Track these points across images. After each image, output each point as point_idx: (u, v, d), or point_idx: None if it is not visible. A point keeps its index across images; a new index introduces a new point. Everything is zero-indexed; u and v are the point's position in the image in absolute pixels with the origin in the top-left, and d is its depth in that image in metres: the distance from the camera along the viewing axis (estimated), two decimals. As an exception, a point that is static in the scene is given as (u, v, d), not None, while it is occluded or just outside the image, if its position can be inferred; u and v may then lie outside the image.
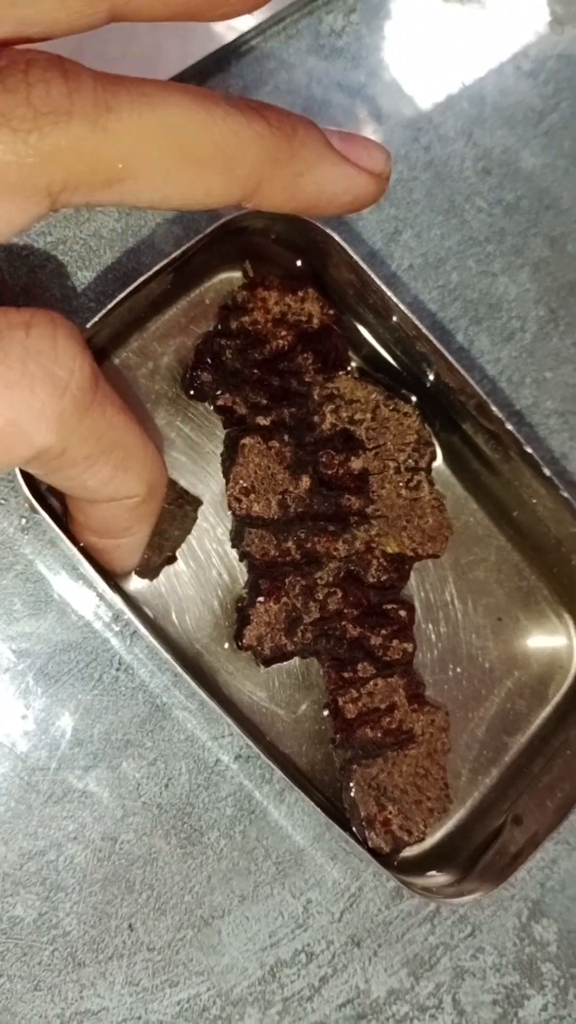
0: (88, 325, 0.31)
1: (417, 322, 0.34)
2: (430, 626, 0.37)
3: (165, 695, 0.35)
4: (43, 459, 0.20)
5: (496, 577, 0.38)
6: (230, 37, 0.38)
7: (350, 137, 0.22)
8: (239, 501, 0.33)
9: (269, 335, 0.34)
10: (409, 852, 0.36)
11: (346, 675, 0.34)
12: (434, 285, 0.41)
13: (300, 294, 0.34)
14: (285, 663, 0.35)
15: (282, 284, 0.34)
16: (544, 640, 0.39)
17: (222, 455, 0.34)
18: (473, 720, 0.38)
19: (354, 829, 0.34)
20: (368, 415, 0.34)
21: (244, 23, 0.38)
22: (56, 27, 0.19)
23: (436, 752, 0.35)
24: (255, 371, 0.34)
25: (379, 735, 0.34)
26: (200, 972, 0.35)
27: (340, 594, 0.34)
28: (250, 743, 0.31)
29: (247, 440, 0.33)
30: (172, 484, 0.32)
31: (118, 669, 0.35)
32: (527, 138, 0.42)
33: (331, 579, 0.34)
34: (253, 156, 0.20)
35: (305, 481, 0.33)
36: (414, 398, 0.36)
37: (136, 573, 0.33)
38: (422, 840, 0.35)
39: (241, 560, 0.34)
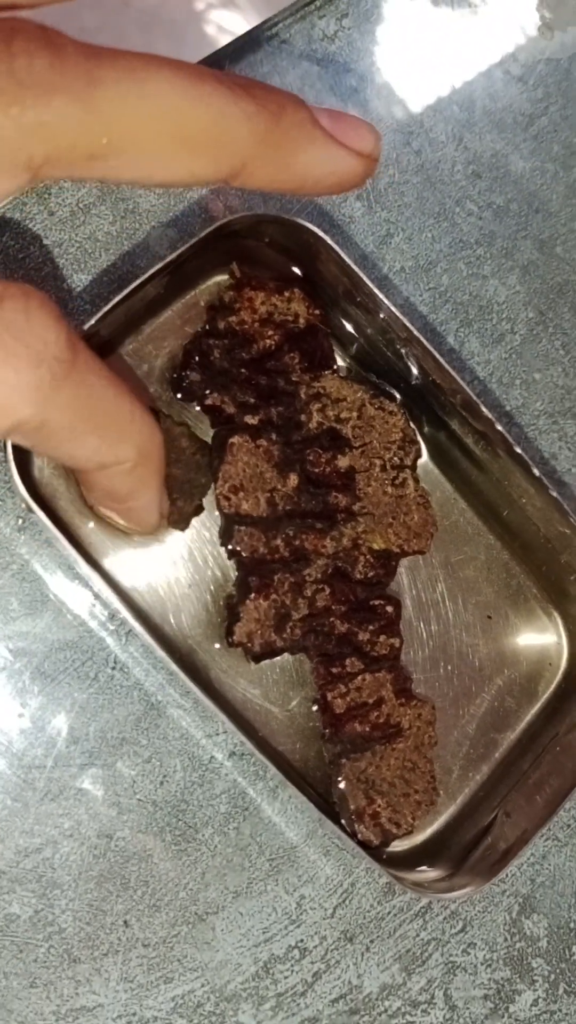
0: (84, 328, 0.31)
1: (408, 324, 0.34)
2: (421, 624, 0.38)
3: (160, 693, 0.36)
4: (23, 431, 0.20)
5: (486, 576, 0.39)
6: (223, 41, 0.39)
7: (339, 116, 0.22)
8: (228, 499, 0.33)
9: (256, 335, 0.34)
10: (400, 847, 0.36)
11: (334, 670, 0.34)
12: (425, 287, 0.41)
13: (286, 294, 0.35)
14: (277, 660, 0.35)
15: (269, 284, 0.35)
16: (533, 638, 0.39)
17: (210, 454, 0.35)
18: (464, 717, 0.38)
19: (343, 822, 0.34)
20: (354, 414, 0.35)
21: (237, 27, 0.39)
22: None
23: (423, 745, 0.35)
24: (243, 370, 0.34)
25: (367, 729, 0.34)
26: (194, 968, 0.36)
27: (328, 590, 0.34)
28: (244, 740, 0.32)
29: (235, 439, 0.33)
30: (192, 435, 0.32)
31: (114, 668, 0.36)
32: (516, 142, 0.43)
33: (319, 576, 0.34)
34: (240, 136, 0.20)
35: (293, 479, 0.34)
36: (399, 397, 0.37)
37: (170, 523, 0.33)
38: (411, 832, 0.35)
39: (230, 558, 0.34)
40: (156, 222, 0.37)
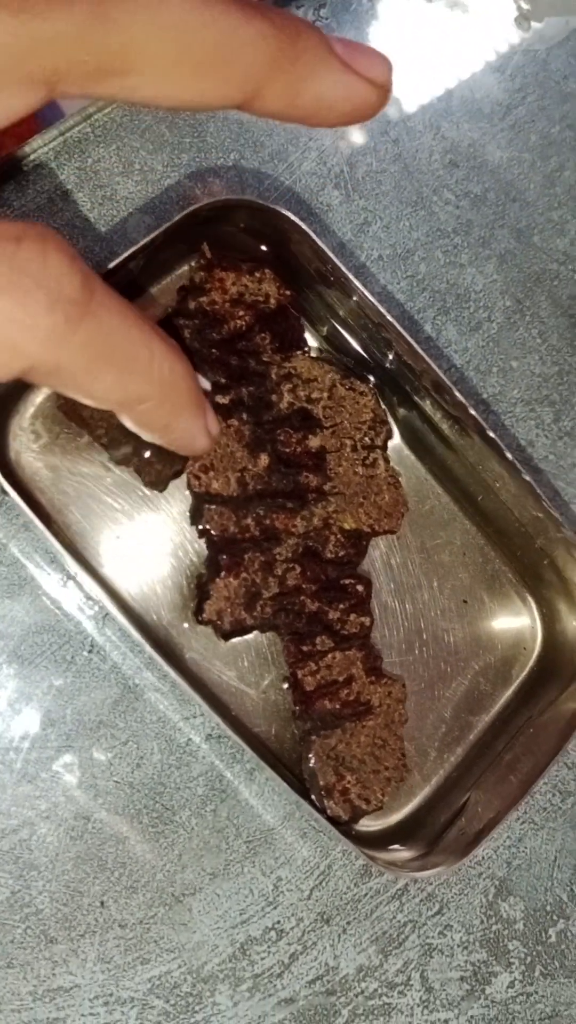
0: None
1: (385, 312, 0.34)
2: (397, 608, 0.38)
3: (137, 677, 0.36)
4: (38, 372, 0.20)
5: (461, 560, 0.39)
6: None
7: (352, 45, 0.22)
8: (198, 479, 0.33)
9: (227, 315, 0.34)
10: (376, 827, 0.37)
11: (305, 648, 0.34)
12: (403, 276, 0.41)
13: (257, 275, 0.35)
14: (252, 642, 0.35)
15: (240, 265, 0.35)
16: (508, 621, 0.40)
17: None
18: (440, 700, 0.38)
19: (313, 798, 0.35)
20: (325, 394, 0.35)
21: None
22: None
23: (393, 723, 0.35)
24: (213, 351, 0.34)
25: (337, 707, 0.35)
26: (171, 949, 0.36)
27: (299, 569, 0.34)
28: (220, 722, 0.32)
29: None
30: None
31: (91, 651, 0.36)
32: (494, 132, 0.43)
33: (290, 555, 0.34)
34: (253, 58, 0.20)
35: (264, 459, 0.34)
36: (372, 378, 0.37)
37: (146, 484, 0.33)
38: (380, 808, 0.35)
39: (200, 537, 0.35)
40: (133, 208, 0.38)
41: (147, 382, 0.23)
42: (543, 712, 0.37)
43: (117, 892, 0.35)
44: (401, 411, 0.38)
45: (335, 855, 0.38)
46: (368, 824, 0.36)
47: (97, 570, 0.35)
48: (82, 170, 0.37)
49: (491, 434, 0.35)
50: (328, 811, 0.34)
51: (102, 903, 0.35)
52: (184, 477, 0.34)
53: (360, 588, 0.35)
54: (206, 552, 0.35)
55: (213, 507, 0.33)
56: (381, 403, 0.36)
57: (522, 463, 0.36)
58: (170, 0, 0.19)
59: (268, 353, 0.34)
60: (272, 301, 0.35)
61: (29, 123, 0.41)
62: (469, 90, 0.43)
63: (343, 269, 0.34)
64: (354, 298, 0.35)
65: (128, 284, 0.34)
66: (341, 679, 0.35)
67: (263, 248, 0.36)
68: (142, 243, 0.32)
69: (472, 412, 0.35)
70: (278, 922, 0.37)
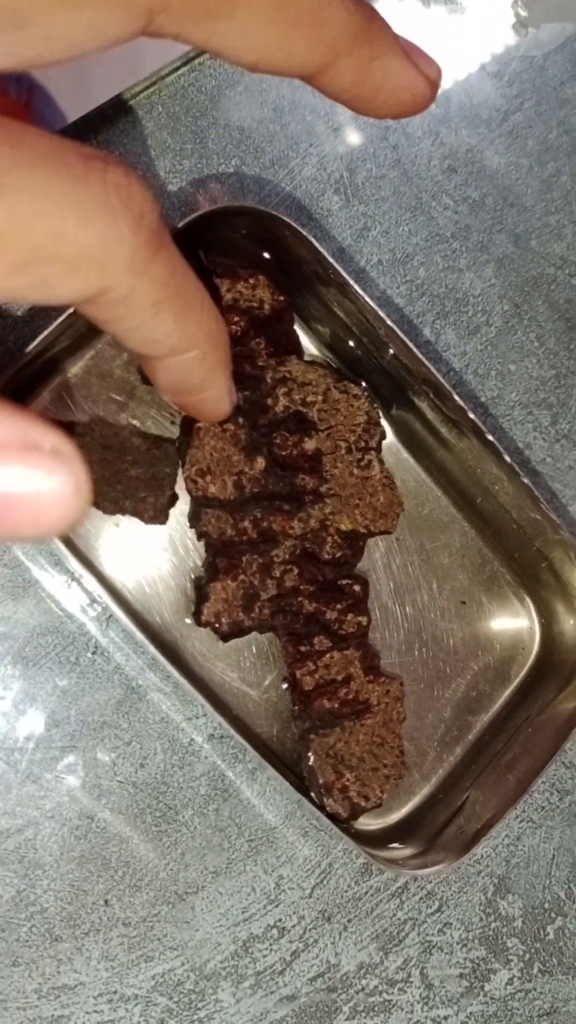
0: (63, 317, 0.32)
1: (384, 316, 0.35)
2: (397, 609, 0.38)
3: (140, 677, 0.36)
4: (108, 298, 0.20)
5: (460, 562, 0.39)
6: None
7: (408, 42, 0.23)
8: (195, 482, 0.34)
9: None
10: (376, 826, 0.37)
11: (303, 648, 0.35)
12: (402, 280, 0.42)
13: (251, 281, 0.35)
14: (253, 642, 0.36)
15: (234, 272, 0.35)
16: (507, 622, 0.40)
17: (179, 439, 0.35)
18: (439, 700, 0.39)
19: (312, 795, 0.35)
20: (319, 397, 0.36)
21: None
22: None
23: (392, 721, 0.36)
24: None
25: (336, 706, 0.35)
26: (174, 947, 0.36)
27: (296, 571, 0.35)
28: (223, 723, 0.33)
29: (201, 424, 0.34)
30: (141, 433, 0.32)
31: (94, 652, 0.36)
32: (491, 137, 0.43)
33: (287, 556, 0.35)
34: (340, 26, 0.20)
35: (260, 462, 0.34)
36: (363, 383, 0.37)
37: (147, 520, 0.33)
38: (380, 805, 0.36)
39: (199, 540, 0.35)
40: (136, 215, 0.38)
41: (199, 331, 0.23)
42: (541, 712, 0.38)
43: (121, 891, 0.36)
44: (399, 414, 0.38)
45: (336, 854, 0.38)
46: (368, 823, 0.37)
47: (100, 571, 0.35)
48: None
49: (490, 437, 0.35)
50: (327, 808, 0.35)
51: (106, 901, 0.36)
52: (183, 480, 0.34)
53: (357, 588, 0.36)
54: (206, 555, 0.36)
55: (210, 511, 0.34)
56: (375, 405, 0.36)
57: (520, 465, 0.36)
58: None
59: (263, 358, 0.35)
60: (266, 307, 0.35)
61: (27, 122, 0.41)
62: (467, 96, 0.43)
63: (343, 274, 0.35)
64: (354, 302, 0.35)
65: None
66: (339, 678, 0.35)
67: (265, 255, 0.36)
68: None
69: (471, 415, 0.35)
70: (280, 920, 0.38)
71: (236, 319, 0.35)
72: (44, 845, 0.35)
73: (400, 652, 0.38)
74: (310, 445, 0.35)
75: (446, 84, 0.43)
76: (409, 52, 0.22)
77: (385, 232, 0.42)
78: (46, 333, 0.32)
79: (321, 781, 0.35)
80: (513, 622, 0.40)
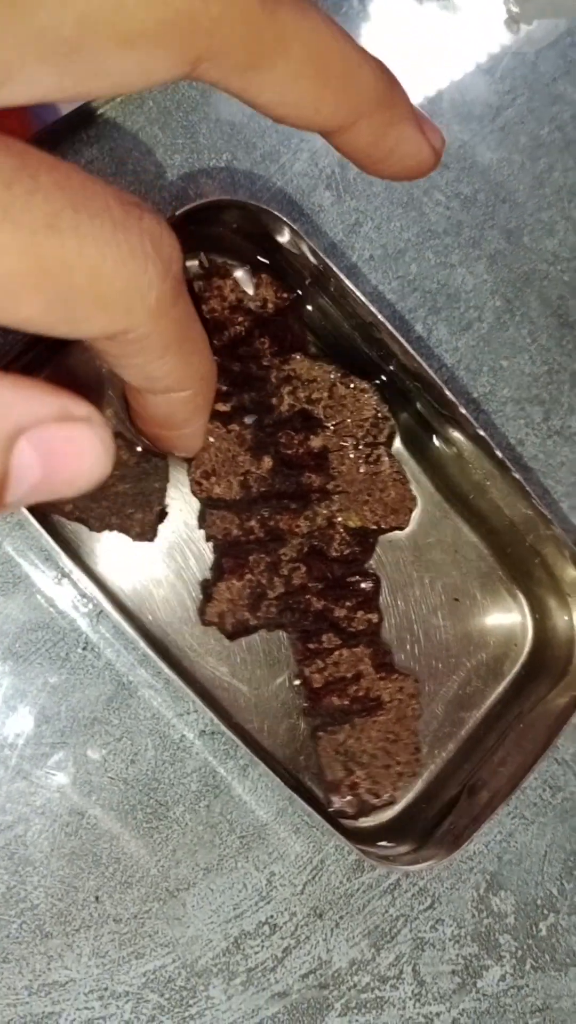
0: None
1: (375, 310, 0.35)
2: (389, 605, 0.38)
3: (131, 674, 0.36)
4: (127, 339, 0.21)
5: (453, 558, 0.39)
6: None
7: (418, 111, 0.24)
8: (199, 484, 0.34)
9: (227, 322, 0.35)
10: (369, 822, 0.37)
11: (312, 646, 0.35)
12: (394, 276, 0.42)
13: (255, 280, 0.35)
14: (245, 639, 0.36)
15: (238, 272, 0.35)
16: (499, 618, 0.40)
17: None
18: (432, 696, 0.39)
19: (320, 794, 0.35)
20: (325, 394, 0.35)
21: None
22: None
23: (406, 718, 0.36)
24: (216, 358, 0.34)
25: (346, 703, 0.35)
26: (166, 944, 0.36)
27: (304, 569, 0.35)
28: (214, 719, 0.32)
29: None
30: (130, 446, 0.32)
31: (85, 648, 0.36)
32: (483, 133, 0.43)
33: (295, 555, 0.35)
34: (367, 89, 0.21)
35: (267, 462, 0.34)
36: (373, 378, 0.37)
37: (135, 537, 0.33)
38: (392, 803, 0.36)
39: (207, 541, 0.35)
40: (127, 209, 0.38)
41: (196, 372, 0.24)
42: (533, 708, 0.38)
43: (112, 887, 0.36)
44: (398, 414, 0.38)
45: (328, 850, 0.38)
46: (361, 819, 0.37)
47: (91, 568, 0.35)
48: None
49: (481, 432, 0.35)
50: (334, 805, 0.35)
51: (97, 898, 0.36)
52: (188, 483, 0.34)
53: (366, 585, 0.36)
54: (199, 548, 0.36)
55: (215, 512, 0.34)
56: (383, 400, 0.36)
57: (512, 461, 0.36)
58: (318, 13, 0.20)
59: (268, 357, 0.35)
60: (270, 305, 0.35)
61: (22, 121, 0.41)
62: (459, 92, 0.43)
63: (334, 269, 0.34)
64: (345, 298, 0.35)
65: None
66: (349, 676, 0.35)
67: (256, 250, 0.36)
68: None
69: (463, 411, 0.35)
70: (271, 916, 0.37)
71: (240, 319, 0.35)
72: (34, 842, 0.35)
73: (392, 648, 0.38)
74: (316, 443, 0.35)
75: (438, 80, 0.43)
76: (419, 121, 0.23)
77: (377, 228, 0.42)
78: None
79: (329, 778, 0.35)
80: (506, 618, 0.40)
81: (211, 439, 0.34)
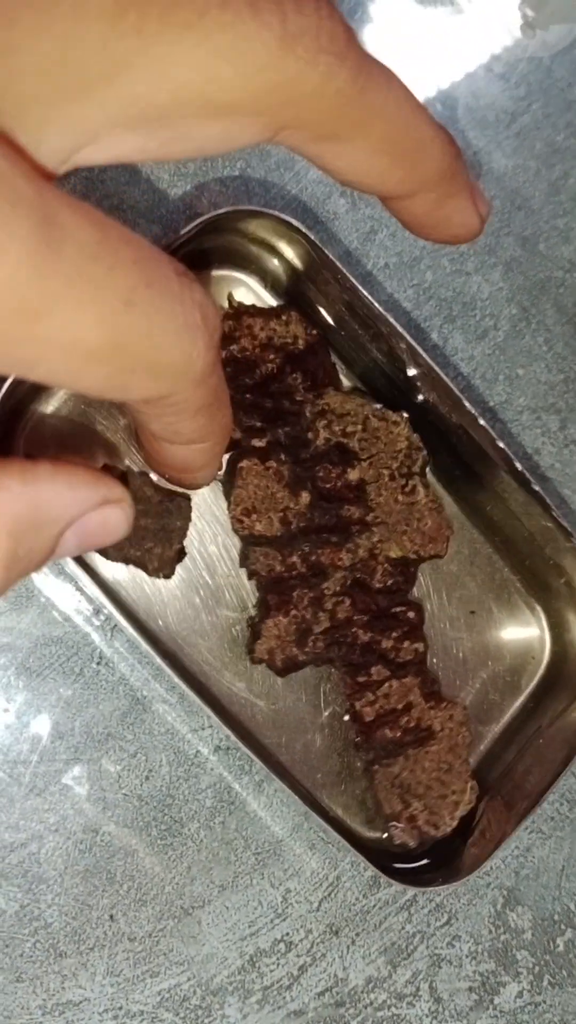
0: None
1: (391, 319, 0.34)
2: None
3: (145, 688, 0.36)
4: (165, 402, 0.21)
5: (469, 570, 0.39)
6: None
7: (472, 182, 0.24)
8: (241, 522, 0.34)
9: (258, 360, 0.35)
10: (379, 835, 0.36)
11: (361, 679, 0.35)
12: (409, 284, 0.41)
13: (284, 317, 0.35)
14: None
15: (265, 310, 0.35)
16: (517, 631, 0.39)
17: (222, 480, 0.35)
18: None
19: (381, 828, 0.35)
20: (359, 427, 0.35)
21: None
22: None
23: (458, 746, 0.36)
24: (247, 396, 0.34)
25: (398, 735, 0.35)
26: (180, 962, 0.36)
27: (348, 602, 0.35)
28: (229, 734, 0.32)
29: (244, 463, 0.34)
30: (154, 484, 0.32)
31: (99, 663, 0.36)
32: (499, 139, 0.43)
33: (338, 588, 0.35)
34: (432, 163, 0.22)
35: (305, 496, 0.34)
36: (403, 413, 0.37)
37: (151, 572, 0.33)
38: (449, 833, 0.36)
39: (250, 579, 0.35)
40: (140, 219, 0.37)
41: (219, 427, 0.24)
42: (552, 723, 0.37)
43: (126, 905, 0.35)
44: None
45: (344, 866, 0.37)
46: (378, 834, 0.36)
47: (104, 581, 0.35)
48: (89, 179, 0.37)
49: (500, 444, 0.35)
50: (395, 839, 0.35)
51: (111, 916, 0.35)
52: (201, 493, 0.35)
53: (412, 615, 0.36)
54: (219, 563, 0.36)
55: (259, 549, 0.34)
56: (414, 431, 0.36)
57: (529, 471, 0.36)
58: (402, 89, 0.20)
59: (300, 392, 0.35)
60: (300, 342, 0.35)
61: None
62: (474, 97, 0.43)
63: (350, 277, 0.34)
64: (361, 306, 0.35)
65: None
66: (400, 707, 0.35)
67: (271, 259, 0.36)
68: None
69: (482, 422, 0.35)
70: (287, 934, 0.37)
71: (272, 356, 0.35)
72: (48, 859, 0.35)
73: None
74: (353, 475, 0.35)
75: (454, 85, 0.43)
76: (473, 191, 0.23)
77: (392, 235, 0.41)
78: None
79: (387, 811, 0.35)
80: (523, 631, 0.40)
81: (250, 476, 0.34)
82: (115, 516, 0.22)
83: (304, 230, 0.33)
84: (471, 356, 0.42)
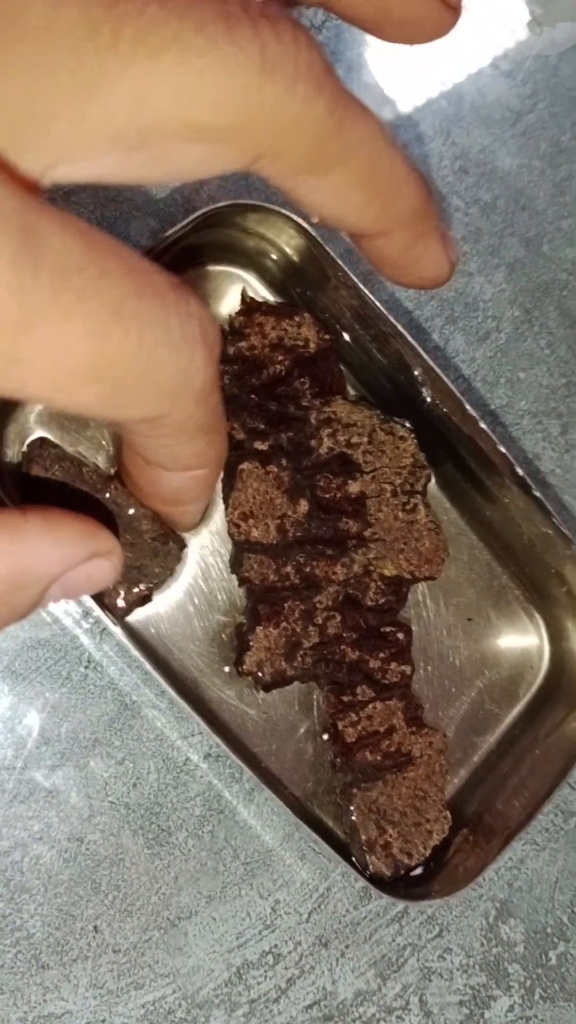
0: None
1: (393, 319, 0.34)
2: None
3: (134, 693, 0.35)
4: (164, 422, 0.21)
5: (468, 576, 0.38)
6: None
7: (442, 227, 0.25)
8: (238, 526, 0.33)
9: (266, 360, 0.34)
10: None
11: (345, 699, 0.34)
12: (410, 283, 0.40)
13: (296, 319, 0.34)
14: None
15: (278, 309, 0.34)
16: (515, 639, 0.39)
17: (222, 481, 0.34)
18: (443, 719, 0.37)
19: (354, 854, 0.34)
20: (365, 439, 0.34)
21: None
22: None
23: (435, 774, 0.35)
24: (253, 396, 0.33)
25: (379, 758, 0.34)
26: (166, 974, 0.35)
27: (339, 618, 0.34)
28: (219, 742, 0.31)
29: (245, 465, 0.33)
30: (154, 519, 0.30)
31: (87, 667, 0.35)
32: (504, 138, 0.42)
33: (330, 603, 0.34)
34: (408, 201, 0.22)
35: (303, 505, 0.33)
36: (409, 425, 0.36)
37: (103, 608, 0.31)
38: (423, 862, 0.35)
39: (241, 585, 0.34)
40: (137, 212, 0.37)
41: (215, 454, 0.24)
42: (550, 733, 0.37)
43: (111, 916, 0.34)
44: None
45: (334, 878, 0.37)
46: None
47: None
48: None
49: (501, 449, 0.34)
50: (370, 867, 0.34)
51: (95, 927, 0.34)
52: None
53: (400, 636, 0.35)
54: (206, 563, 0.35)
55: (253, 556, 0.33)
56: (420, 448, 0.35)
57: (529, 476, 0.35)
58: (379, 126, 0.20)
59: (307, 398, 0.34)
60: (311, 345, 0.34)
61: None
62: (480, 95, 0.42)
63: (351, 275, 0.33)
64: (361, 304, 0.34)
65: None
66: (382, 730, 0.34)
67: (271, 254, 0.35)
68: (148, 246, 0.31)
69: (483, 426, 0.34)
70: (275, 946, 0.36)
71: (280, 357, 0.34)
72: (32, 868, 0.34)
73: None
74: (354, 488, 0.34)
75: (459, 82, 0.42)
76: (443, 235, 0.24)
77: (394, 234, 0.40)
78: None
79: (364, 838, 0.34)
80: (521, 639, 0.39)
81: (250, 480, 0.33)
82: (101, 570, 0.22)
83: (305, 225, 0.33)
84: (472, 358, 0.41)
